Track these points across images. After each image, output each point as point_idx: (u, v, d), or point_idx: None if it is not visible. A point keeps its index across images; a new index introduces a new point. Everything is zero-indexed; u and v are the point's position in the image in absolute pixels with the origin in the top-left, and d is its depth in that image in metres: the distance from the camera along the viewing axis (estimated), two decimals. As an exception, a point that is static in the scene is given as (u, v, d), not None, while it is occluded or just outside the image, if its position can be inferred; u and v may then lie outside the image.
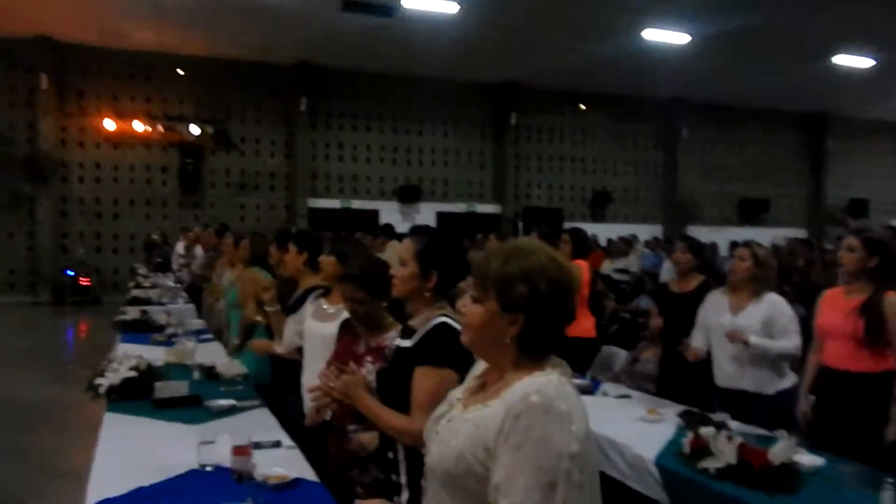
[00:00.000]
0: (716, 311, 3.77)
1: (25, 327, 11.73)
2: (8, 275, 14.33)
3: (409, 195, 16.90)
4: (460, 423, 1.47)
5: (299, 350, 3.41)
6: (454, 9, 11.80)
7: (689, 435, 2.81)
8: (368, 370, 2.46)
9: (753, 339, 3.53)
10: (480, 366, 1.60)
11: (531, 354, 1.45)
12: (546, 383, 1.38)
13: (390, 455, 2.12)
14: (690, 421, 3.16)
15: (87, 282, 14.27)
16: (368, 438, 2.37)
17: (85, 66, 14.67)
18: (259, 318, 4.21)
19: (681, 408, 3.49)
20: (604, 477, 3.03)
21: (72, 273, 14.22)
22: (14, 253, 14.36)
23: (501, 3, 11.54)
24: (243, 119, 15.85)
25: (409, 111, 17.01)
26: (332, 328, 3.09)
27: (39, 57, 14.09)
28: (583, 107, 18.39)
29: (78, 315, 12.92)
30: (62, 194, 14.63)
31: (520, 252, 1.47)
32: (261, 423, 3.07)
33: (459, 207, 17.36)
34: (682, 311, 4.00)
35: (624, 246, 12.27)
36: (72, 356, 9.79)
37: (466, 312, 1.52)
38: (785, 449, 2.55)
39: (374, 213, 16.22)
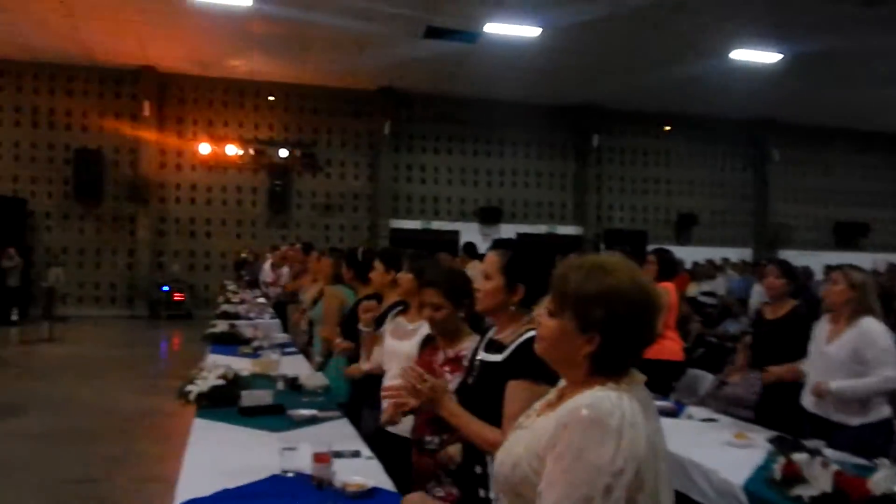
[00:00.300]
0: (817, 339, 3.63)
1: (123, 340, 12.35)
2: (109, 289, 15.16)
3: (489, 216, 16.94)
4: (526, 432, 1.48)
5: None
6: (536, 32, 11.83)
7: (781, 461, 2.68)
8: (448, 379, 2.46)
9: (834, 385, 3.39)
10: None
11: (604, 372, 1.41)
12: (602, 398, 1.34)
13: (478, 470, 2.09)
14: (782, 446, 3.01)
15: (181, 297, 14.93)
16: (455, 451, 2.35)
17: (183, 95, 15.49)
18: (339, 339, 4.19)
19: (771, 433, 3.34)
20: (689, 502, 2.94)
21: (167, 289, 14.93)
22: (115, 269, 15.19)
23: (584, 25, 11.50)
24: (329, 142, 16.33)
25: (489, 133, 17.11)
26: (409, 345, 3.10)
27: (143, 86, 14.99)
28: (667, 128, 18.03)
29: (171, 328, 13.51)
30: (160, 214, 15.42)
31: (600, 270, 1.42)
32: (340, 434, 3.11)
33: (540, 229, 17.26)
34: (774, 337, 3.85)
35: (711, 269, 11.90)
36: (165, 367, 10.23)
37: (542, 325, 1.50)
38: (887, 479, 2.39)
39: (455, 234, 16.32)
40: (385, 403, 2.71)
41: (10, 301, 11.90)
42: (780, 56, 12.73)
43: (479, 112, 16.60)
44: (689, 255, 14.59)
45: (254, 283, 11.48)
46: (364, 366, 3.67)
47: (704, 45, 12.33)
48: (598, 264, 1.45)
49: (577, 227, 17.59)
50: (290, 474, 2.51)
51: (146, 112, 14.96)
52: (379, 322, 3.68)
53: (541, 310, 1.54)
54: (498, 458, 1.51)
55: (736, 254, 16.23)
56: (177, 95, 15.46)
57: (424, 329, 3.09)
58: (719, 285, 11.23)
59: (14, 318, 11.91)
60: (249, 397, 3.48)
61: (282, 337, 6.20)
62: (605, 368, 1.41)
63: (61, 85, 14.88)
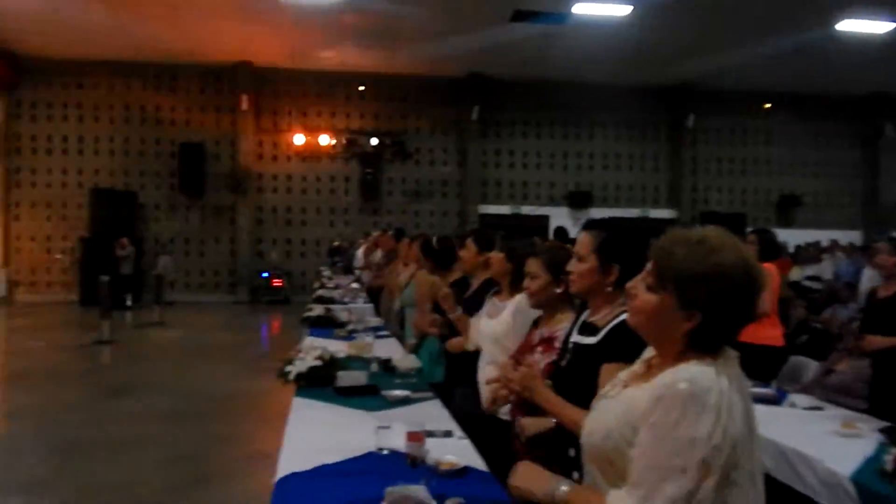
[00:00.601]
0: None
1: (226, 324, 12.95)
2: (213, 276, 15.92)
3: (579, 201, 16.70)
4: (615, 402, 1.47)
5: None
6: (626, 10, 11.52)
7: (894, 452, 2.54)
8: (537, 359, 2.46)
9: None
10: (649, 351, 1.56)
11: (700, 348, 1.38)
12: (701, 373, 1.32)
13: (571, 453, 2.08)
14: (894, 437, 2.85)
15: (279, 283, 15.52)
16: (529, 422, 2.34)
17: (278, 87, 16.00)
18: (433, 328, 4.22)
19: (882, 423, 3.16)
20: (792, 492, 2.83)
21: (266, 275, 15.55)
22: (218, 257, 15.93)
23: (677, 0, 11.11)
24: (418, 130, 16.50)
25: (579, 116, 16.84)
26: (497, 323, 3.12)
27: (241, 81, 15.58)
28: (767, 106, 17.19)
29: (271, 313, 14.07)
30: (258, 204, 16.03)
31: (706, 247, 1.38)
32: (433, 414, 3.16)
33: (632, 213, 16.87)
34: (886, 315, 3.63)
35: (816, 252, 11.31)
36: (266, 350, 10.68)
37: (638, 298, 1.47)
38: None
39: (545, 219, 16.18)
40: (483, 387, 2.72)
41: (124, 287, 12.69)
42: (893, 25, 11.90)
43: (568, 95, 16.34)
44: (792, 238, 13.93)
45: (347, 269, 11.78)
46: (468, 346, 3.62)
47: (808, 18, 11.66)
48: (703, 240, 1.40)
49: (672, 211, 17.09)
50: (385, 452, 2.58)
51: (244, 106, 15.56)
52: (469, 303, 3.71)
53: (636, 281, 1.49)
54: (587, 428, 1.52)
55: (843, 237, 15.36)
56: (272, 88, 15.98)
57: (511, 306, 3.09)
58: (825, 269, 10.66)
59: (128, 303, 12.69)
60: (345, 378, 3.59)
61: (375, 320, 6.35)
62: (702, 345, 1.38)
63: (166, 83, 15.68)
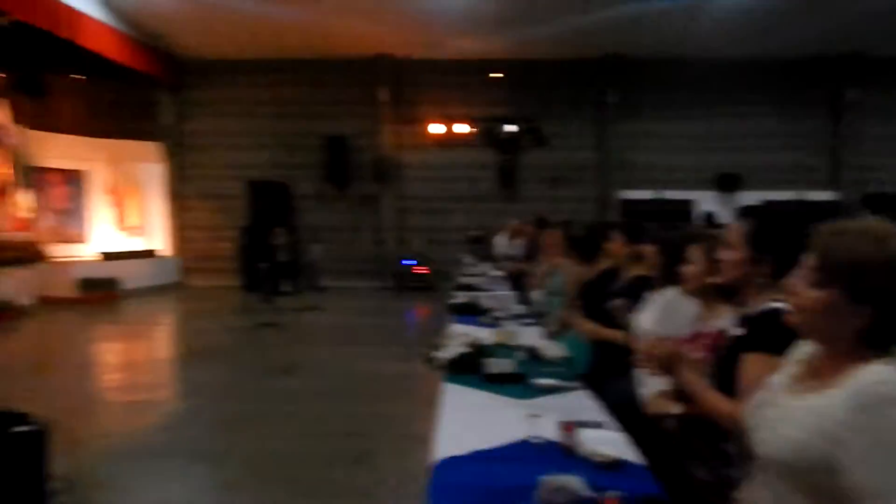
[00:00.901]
0: None
1: (374, 310, 13.54)
2: (359, 263, 16.65)
3: (728, 183, 15.89)
4: (792, 410, 1.40)
5: None
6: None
7: None
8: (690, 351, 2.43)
9: None
10: (802, 349, 1.51)
11: (872, 346, 1.33)
12: (891, 373, 1.28)
13: (729, 449, 2.05)
14: None
15: (423, 270, 15.99)
16: (656, 400, 2.30)
17: (416, 78, 16.37)
18: (579, 322, 4.20)
19: None
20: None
21: (409, 262, 16.08)
22: (364, 245, 16.64)
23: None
24: (555, 115, 16.33)
25: (725, 95, 15.96)
26: (646, 317, 3.10)
27: (380, 73, 16.11)
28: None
29: (415, 299, 14.53)
30: (400, 193, 16.56)
31: (871, 237, 1.33)
32: (582, 404, 3.18)
33: (787, 195, 15.84)
34: None
35: None
36: (412, 335, 11.09)
37: (801, 295, 1.43)
38: None
39: (689, 204, 15.58)
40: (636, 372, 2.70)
41: (281, 274, 13.61)
42: None
43: (713, 73, 15.54)
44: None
45: (488, 257, 11.95)
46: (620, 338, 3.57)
47: None
48: (868, 230, 1.35)
49: (832, 193, 15.88)
50: (537, 441, 2.65)
51: (383, 97, 16.11)
52: (617, 295, 3.69)
53: (797, 279, 1.46)
54: (764, 439, 1.46)
55: None
56: (410, 79, 16.38)
57: (661, 300, 3.07)
58: None
59: (285, 289, 13.60)
60: (493, 365, 3.69)
61: (518, 308, 6.43)
62: (874, 343, 1.33)
63: (311, 78, 16.47)
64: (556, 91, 16.26)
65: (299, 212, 16.59)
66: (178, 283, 16.34)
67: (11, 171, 12.73)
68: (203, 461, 5.01)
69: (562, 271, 5.13)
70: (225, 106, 16.68)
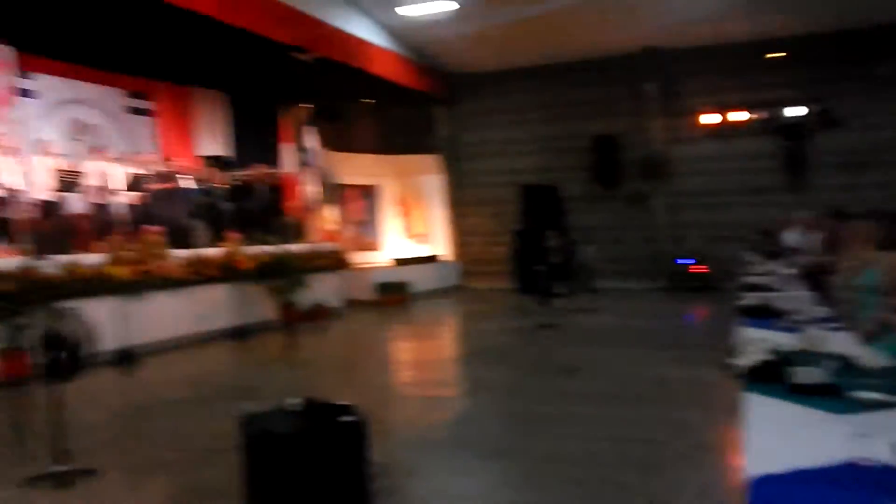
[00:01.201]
0: None
1: (650, 311, 13.22)
2: (632, 264, 16.33)
3: None
4: None
5: None
6: None
7: None
8: None
9: None
10: None
11: None
12: None
13: None
14: None
15: (702, 269, 15.20)
16: None
17: (682, 68, 15.62)
18: None
19: None
20: None
21: (685, 261, 15.37)
22: (635, 245, 16.28)
23: None
24: (846, 93, 14.48)
25: None
26: None
27: (644, 67, 15.64)
28: None
29: (694, 300, 13.89)
30: (673, 189, 15.92)
31: None
32: (918, 424, 2.81)
33: None
34: None
35: None
36: (695, 338, 10.60)
37: None
38: None
39: None
40: None
41: (555, 276, 13.84)
42: None
43: None
44: None
45: (776, 254, 10.98)
46: None
47: None
48: None
49: None
50: (868, 463, 2.38)
51: (651, 91, 15.61)
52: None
53: None
54: None
55: None
56: (677, 70, 15.67)
57: None
58: None
59: (559, 290, 13.81)
60: (803, 374, 3.39)
61: (819, 310, 5.82)
62: None
63: (574, 80, 16.55)
64: (847, 66, 14.42)
65: (570, 213, 16.75)
66: (459, 286, 17.44)
67: (320, 189, 14.72)
68: (495, 458, 5.25)
69: (877, 266, 4.55)
70: (494, 115, 17.46)
